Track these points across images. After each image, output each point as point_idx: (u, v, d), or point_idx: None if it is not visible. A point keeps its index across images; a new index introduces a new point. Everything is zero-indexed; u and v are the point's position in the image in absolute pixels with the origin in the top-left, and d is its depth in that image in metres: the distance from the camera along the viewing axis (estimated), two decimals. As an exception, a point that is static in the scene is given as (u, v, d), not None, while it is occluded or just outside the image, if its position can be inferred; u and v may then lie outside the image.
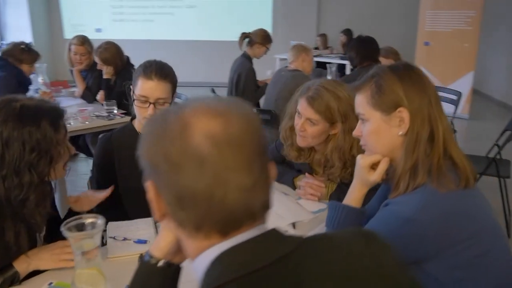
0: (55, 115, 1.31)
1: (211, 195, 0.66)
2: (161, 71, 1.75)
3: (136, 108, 1.77)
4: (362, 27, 8.06)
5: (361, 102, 1.22)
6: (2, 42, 8.23)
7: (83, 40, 3.93)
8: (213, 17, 8.54)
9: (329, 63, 4.58)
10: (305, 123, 1.74)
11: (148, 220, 1.65)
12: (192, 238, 0.71)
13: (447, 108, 4.17)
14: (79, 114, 3.32)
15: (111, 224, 1.65)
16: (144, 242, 1.50)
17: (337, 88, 1.71)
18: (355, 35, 7.66)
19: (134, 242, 1.50)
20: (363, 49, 3.18)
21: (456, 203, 1.11)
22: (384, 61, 3.83)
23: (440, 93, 3.78)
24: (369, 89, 1.20)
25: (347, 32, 7.57)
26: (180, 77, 7.18)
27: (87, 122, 3.22)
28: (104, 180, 1.84)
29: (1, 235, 1.28)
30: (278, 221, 1.69)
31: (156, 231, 1.60)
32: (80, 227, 1.01)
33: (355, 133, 1.30)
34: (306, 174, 1.89)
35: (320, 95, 1.69)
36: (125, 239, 1.52)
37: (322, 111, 1.70)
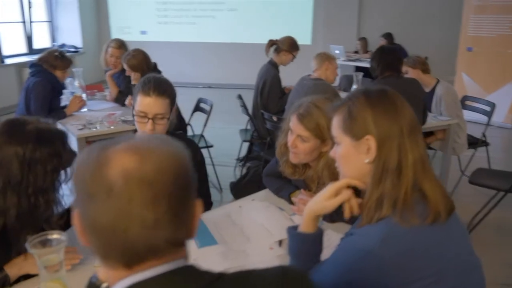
0: (65, 136, 1.41)
1: (114, 227, 0.70)
2: (159, 87, 1.81)
3: (136, 123, 1.85)
4: (403, 31, 7.88)
5: (335, 125, 1.22)
6: (54, 44, 8.70)
7: (120, 44, 4.10)
8: (253, 20, 8.61)
9: (359, 70, 4.51)
10: (296, 140, 1.75)
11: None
12: (105, 267, 0.75)
13: (481, 118, 4.05)
14: (106, 118, 3.47)
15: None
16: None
17: (327, 106, 1.70)
18: (396, 39, 7.53)
19: (122, 252, 1.57)
20: (384, 59, 3.12)
21: (417, 240, 1.08)
22: (411, 72, 3.74)
23: (474, 104, 3.62)
24: (342, 112, 1.19)
25: (388, 36, 7.41)
26: (221, 79, 7.42)
27: (112, 127, 3.36)
28: None
29: (7, 245, 1.38)
30: (266, 237, 1.71)
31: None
32: (45, 243, 1.08)
33: (330, 154, 1.30)
34: (302, 190, 1.90)
35: (310, 112, 1.70)
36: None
37: (312, 128, 1.70)
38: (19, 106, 3.49)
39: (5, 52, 7.31)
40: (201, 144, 3.91)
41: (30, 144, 1.34)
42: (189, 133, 4.07)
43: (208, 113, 3.99)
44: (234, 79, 8.44)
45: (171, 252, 0.75)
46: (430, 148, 3.87)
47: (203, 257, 1.55)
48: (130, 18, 9.06)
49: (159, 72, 3.82)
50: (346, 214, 1.23)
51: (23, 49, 7.82)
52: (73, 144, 3.32)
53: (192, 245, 1.60)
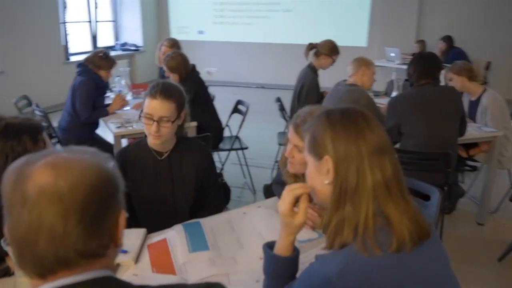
0: (35, 130, 1.48)
1: (26, 239, 0.74)
2: (165, 91, 1.87)
3: (144, 124, 1.91)
4: (465, 33, 7.47)
5: (304, 145, 1.20)
6: (117, 42, 9.14)
7: (173, 43, 4.26)
8: (308, 21, 8.54)
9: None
10: (293, 150, 1.73)
11: (140, 232, 1.77)
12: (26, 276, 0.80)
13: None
14: (143, 117, 3.61)
15: (108, 230, 1.81)
16: (125, 252, 1.63)
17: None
18: (457, 42, 7.16)
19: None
20: (421, 66, 2.97)
21: (378, 270, 1.02)
22: (456, 79, 3.55)
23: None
24: (309, 132, 1.18)
25: (447, 39, 7.07)
26: (274, 80, 7.42)
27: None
28: None
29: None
30: (260, 246, 1.71)
31: (143, 243, 1.72)
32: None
33: (286, 154, 1.27)
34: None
35: (306, 122, 1.67)
36: (111, 246, 1.66)
37: None
38: (66, 103, 3.71)
39: (71, 50, 7.80)
40: (236, 145, 3.96)
41: None
42: (226, 134, 4.14)
43: (244, 114, 4.02)
44: (287, 80, 8.41)
45: (85, 264, 0.78)
46: (473, 160, 3.65)
47: (191, 261, 1.58)
48: (188, 18, 9.31)
49: (197, 74, 3.91)
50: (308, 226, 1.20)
51: (88, 47, 8.29)
52: (110, 140, 3.49)
53: (184, 249, 1.64)
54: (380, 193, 1.06)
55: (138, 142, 2.06)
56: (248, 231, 1.79)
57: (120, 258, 1.59)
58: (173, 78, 3.79)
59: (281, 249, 1.24)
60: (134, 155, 2.03)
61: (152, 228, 1.84)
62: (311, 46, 4.06)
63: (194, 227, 1.79)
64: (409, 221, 1.05)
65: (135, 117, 3.59)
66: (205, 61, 8.96)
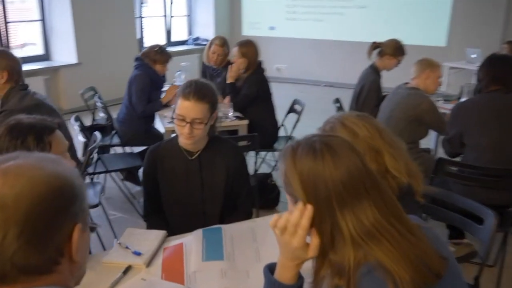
0: (42, 131, 1.48)
1: None
2: (199, 92, 1.82)
3: (175, 125, 1.87)
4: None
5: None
6: (190, 36, 9.34)
7: (224, 42, 4.23)
8: (383, 18, 8.13)
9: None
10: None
11: (160, 234, 1.74)
12: None
13: None
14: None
15: (129, 229, 1.79)
16: (139, 254, 1.59)
17: (357, 124, 1.51)
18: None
19: (132, 252, 1.61)
20: (493, 70, 2.65)
21: None
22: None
23: None
24: (281, 169, 1.05)
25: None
26: (344, 78, 7.20)
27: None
28: (149, 189, 2.01)
29: None
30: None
31: (160, 246, 1.67)
32: None
33: None
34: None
35: (334, 129, 1.52)
36: (127, 247, 1.64)
37: None
38: (124, 96, 3.81)
39: (146, 44, 8.08)
40: (289, 146, 3.83)
41: (3, 135, 1.43)
42: (282, 134, 4.04)
43: (299, 114, 3.89)
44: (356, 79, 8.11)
45: (24, 280, 0.73)
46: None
47: (202, 271, 1.51)
48: (261, 14, 9.27)
49: (263, 70, 3.84)
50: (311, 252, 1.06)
51: (163, 41, 8.55)
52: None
53: (198, 257, 1.57)
54: (362, 241, 0.92)
55: (170, 140, 2.03)
56: (269, 243, 1.68)
57: (133, 260, 1.56)
58: (240, 63, 3.73)
59: (285, 277, 1.10)
60: (166, 153, 2.00)
61: (180, 229, 1.80)
62: (375, 45, 3.83)
63: (213, 234, 1.72)
64: (410, 265, 0.89)
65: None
66: (275, 57, 8.89)
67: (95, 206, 2.86)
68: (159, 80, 3.75)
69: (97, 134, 3.06)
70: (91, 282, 1.46)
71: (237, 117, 3.58)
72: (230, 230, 1.75)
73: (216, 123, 1.99)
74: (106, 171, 3.39)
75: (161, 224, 1.98)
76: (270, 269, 1.15)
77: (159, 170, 1.98)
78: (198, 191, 1.98)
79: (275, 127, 3.96)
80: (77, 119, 3.36)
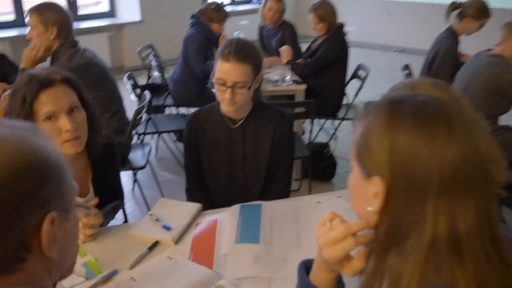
0: (35, 85, 1.36)
1: None
2: (239, 52, 1.61)
3: (216, 91, 1.69)
4: None
5: (353, 141, 0.84)
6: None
7: None
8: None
9: None
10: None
11: (194, 207, 1.60)
12: None
13: None
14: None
15: (162, 200, 1.67)
16: (168, 228, 1.46)
17: (431, 93, 1.25)
18: None
19: (162, 226, 1.48)
20: None
21: None
22: None
23: None
24: (360, 127, 0.80)
25: None
26: (416, 44, 6.59)
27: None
28: (190, 160, 1.86)
29: None
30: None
31: (193, 221, 1.54)
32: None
33: None
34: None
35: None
36: (157, 219, 1.51)
37: None
38: (179, 56, 3.67)
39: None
40: (350, 115, 3.56)
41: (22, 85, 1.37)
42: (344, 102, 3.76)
43: (363, 80, 3.58)
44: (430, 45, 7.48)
45: None
46: None
47: (234, 254, 1.35)
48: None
49: (344, 34, 3.57)
50: (348, 271, 0.86)
51: (227, -1, 8.31)
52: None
53: (232, 237, 1.42)
54: (444, 251, 0.69)
55: (211, 106, 1.85)
56: (313, 227, 1.49)
57: (161, 236, 1.44)
58: (319, 29, 3.50)
59: (320, 280, 0.91)
60: (206, 121, 1.83)
61: (220, 203, 1.65)
62: (454, 6, 3.37)
63: (252, 211, 1.55)
64: None
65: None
66: (343, 19, 8.36)
67: (142, 168, 2.79)
68: (216, 40, 3.57)
69: (147, 93, 2.96)
70: (115, 255, 1.37)
71: (295, 81, 3.34)
72: (271, 208, 1.57)
73: (262, 86, 1.79)
74: (157, 132, 3.31)
75: (204, 199, 1.84)
76: (307, 266, 0.96)
77: (200, 138, 1.82)
78: (240, 162, 1.81)
79: (341, 94, 3.69)
80: (130, 77, 3.27)
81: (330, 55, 3.50)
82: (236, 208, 1.57)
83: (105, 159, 1.62)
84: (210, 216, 1.57)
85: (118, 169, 1.75)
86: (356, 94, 3.55)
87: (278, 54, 3.86)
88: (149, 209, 2.92)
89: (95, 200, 1.48)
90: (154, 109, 3.77)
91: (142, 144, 3.15)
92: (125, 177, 2.99)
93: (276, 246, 1.39)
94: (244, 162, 1.82)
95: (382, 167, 0.72)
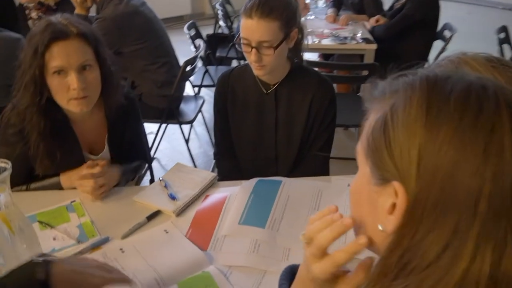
0: (47, 36, 1.26)
1: None
2: (263, 6, 1.40)
3: (244, 52, 1.50)
4: None
5: (363, 131, 0.63)
6: None
7: None
8: None
9: None
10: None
11: (208, 176, 1.47)
12: None
13: None
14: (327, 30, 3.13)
15: (178, 165, 1.56)
16: (174, 198, 1.36)
17: (481, 73, 0.98)
18: None
19: (168, 194, 1.38)
20: None
21: None
22: None
23: None
24: (377, 113, 0.58)
25: None
26: None
27: (316, 41, 3.00)
28: (218, 124, 1.72)
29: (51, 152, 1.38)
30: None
31: (203, 191, 1.42)
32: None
33: None
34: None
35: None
36: (166, 186, 1.41)
37: None
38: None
39: None
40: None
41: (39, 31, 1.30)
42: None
43: (446, 42, 3.14)
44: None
45: None
46: None
47: (233, 237, 1.22)
48: None
49: None
50: None
51: None
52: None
53: (236, 217, 1.28)
54: None
55: (245, 66, 1.66)
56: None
57: (163, 206, 1.34)
58: None
59: None
60: (238, 82, 1.65)
61: (249, 174, 1.51)
62: None
63: (267, 188, 1.39)
64: None
65: (319, 29, 3.13)
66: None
67: (189, 122, 2.72)
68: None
69: (201, 43, 2.84)
70: (114, 219, 1.31)
71: (365, 40, 3.01)
72: (292, 187, 1.40)
73: (301, 46, 1.57)
74: (213, 85, 3.20)
75: (231, 167, 1.71)
76: (294, 273, 0.78)
77: (229, 101, 1.66)
78: (270, 132, 1.63)
79: (421, 60, 3.29)
80: (191, 27, 3.16)
81: (417, 15, 3.11)
82: (251, 183, 1.41)
83: (123, 118, 1.53)
84: (223, 189, 1.44)
85: (138, 128, 1.65)
86: (436, 57, 3.13)
87: (355, 9, 3.51)
88: (195, 167, 2.91)
89: (103, 162, 1.40)
90: (218, 61, 3.65)
91: (195, 97, 3.06)
92: (176, 130, 2.94)
93: (283, 233, 1.23)
94: (276, 133, 1.63)
95: (407, 172, 0.52)
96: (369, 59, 2.96)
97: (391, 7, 3.47)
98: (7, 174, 0.98)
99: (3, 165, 0.99)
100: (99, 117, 1.50)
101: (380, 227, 0.57)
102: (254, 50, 1.43)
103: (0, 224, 0.99)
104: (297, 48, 1.57)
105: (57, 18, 1.32)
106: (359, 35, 3.06)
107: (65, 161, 1.41)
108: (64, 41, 1.27)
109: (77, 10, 2.44)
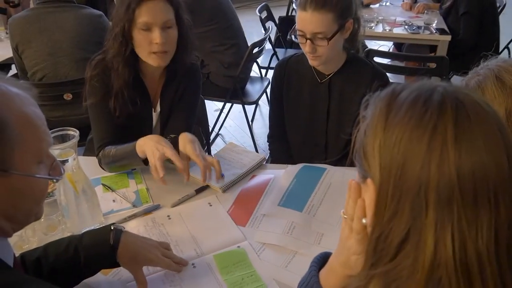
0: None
1: None
2: None
3: (299, 43, 1.55)
4: None
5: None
6: None
7: None
8: None
9: None
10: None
11: (257, 157, 1.56)
12: None
13: None
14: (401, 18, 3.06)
15: (230, 144, 1.67)
16: (222, 175, 1.44)
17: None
18: None
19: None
20: None
21: None
22: None
23: None
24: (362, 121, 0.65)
25: None
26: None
27: (388, 29, 2.93)
28: (273, 108, 1.79)
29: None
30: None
31: (251, 172, 1.50)
32: (62, 138, 1.13)
33: None
34: None
35: (481, 86, 1.00)
36: (215, 162, 1.52)
37: None
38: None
39: None
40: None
41: None
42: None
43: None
44: None
45: None
46: None
47: (271, 217, 1.30)
48: None
49: None
50: None
51: None
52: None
53: (276, 198, 1.36)
54: (445, 280, 0.55)
55: (302, 55, 1.69)
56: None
57: (213, 181, 1.44)
58: None
59: (327, 283, 0.80)
60: (294, 70, 1.70)
61: (299, 159, 1.58)
62: None
63: (311, 174, 1.45)
64: None
65: (391, 16, 3.06)
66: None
67: (252, 103, 2.81)
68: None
69: (272, 26, 2.89)
70: (167, 190, 1.41)
71: (440, 30, 2.90)
72: (334, 176, 1.44)
73: (357, 36, 1.58)
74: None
75: (283, 150, 1.78)
76: (326, 259, 0.84)
77: (284, 88, 1.72)
78: (322, 121, 1.67)
79: (493, 49, 3.12)
80: (263, 9, 3.22)
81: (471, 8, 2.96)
82: (296, 167, 1.48)
83: (183, 78, 1.60)
84: (270, 171, 1.52)
85: (193, 96, 1.66)
86: (506, 48, 2.95)
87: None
88: (256, 147, 3.01)
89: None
90: (289, 44, 3.69)
91: (261, 78, 3.14)
92: (241, 109, 3.04)
93: (319, 219, 1.29)
94: (327, 121, 1.67)
95: (373, 168, 0.60)
96: (441, 50, 2.85)
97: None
98: (74, 141, 1.13)
99: (71, 132, 1.14)
100: (163, 75, 1.59)
101: (364, 220, 0.65)
102: (308, 41, 1.48)
103: (67, 184, 1.15)
104: (353, 39, 1.58)
105: None
106: (433, 25, 2.95)
107: (140, 112, 1.54)
108: (153, 2, 1.41)
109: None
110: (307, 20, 1.46)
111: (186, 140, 1.38)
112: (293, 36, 1.56)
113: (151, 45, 1.43)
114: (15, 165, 0.69)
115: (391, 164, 0.57)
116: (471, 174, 0.53)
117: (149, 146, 1.35)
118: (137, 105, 1.51)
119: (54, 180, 0.81)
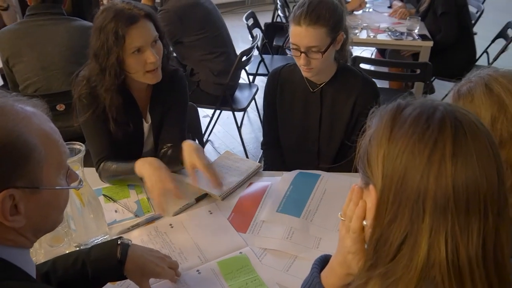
0: (120, 21, 1.39)
1: None
2: (311, 14, 1.48)
3: (293, 56, 1.61)
4: None
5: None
6: None
7: None
8: None
9: None
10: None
11: (253, 165, 1.60)
12: None
13: None
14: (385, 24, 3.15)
15: (227, 152, 1.71)
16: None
17: (510, 92, 1.03)
18: None
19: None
20: None
21: None
22: None
23: None
24: (367, 131, 0.73)
25: None
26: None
27: (372, 36, 3.02)
28: (267, 116, 1.84)
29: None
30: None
31: (248, 179, 1.55)
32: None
33: None
34: None
35: (471, 94, 1.06)
36: (214, 172, 1.56)
37: None
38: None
39: None
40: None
41: (98, 16, 1.44)
42: (481, 62, 3.29)
43: (508, 41, 3.06)
44: None
45: None
46: None
47: (270, 223, 1.35)
48: None
49: None
50: None
51: None
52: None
53: (274, 205, 1.41)
54: (438, 280, 0.61)
55: (294, 65, 1.75)
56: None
57: (211, 189, 1.48)
58: None
59: (328, 283, 0.86)
60: (287, 79, 1.76)
61: (292, 165, 1.63)
62: None
63: (306, 181, 1.51)
64: None
65: (375, 23, 3.14)
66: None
67: (241, 110, 2.86)
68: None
69: (259, 32, 2.95)
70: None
71: (422, 36, 3.00)
72: (328, 182, 1.50)
73: (346, 46, 1.64)
74: (267, 74, 3.31)
75: (277, 157, 1.84)
76: (326, 261, 0.90)
77: (278, 96, 1.77)
78: (314, 128, 1.73)
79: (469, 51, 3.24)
80: (249, 16, 3.27)
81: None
82: (291, 174, 1.53)
83: (170, 85, 1.62)
84: (266, 178, 1.57)
85: (181, 103, 1.68)
86: (496, 58, 3.06)
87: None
88: (246, 152, 3.06)
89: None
90: (275, 50, 3.75)
91: (250, 84, 3.19)
92: (231, 114, 3.08)
93: (316, 224, 1.34)
94: (319, 129, 1.73)
95: (376, 175, 0.66)
96: (424, 55, 2.95)
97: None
98: (81, 155, 1.16)
99: (78, 146, 1.17)
100: (150, 85, 1.59)
101: (364, 222, 0.72)
102: (303, 55, 1.53)
103: (73, 196, 1.18)
104: (343, 49, 1.64)
105: (116, 5, 1.44)
106: (416, 31, 3.05)
107: (131, 125, 1.56)
108: (137, 24, 1.41)
109: (144, 1, 2.61)
110: (301, 35, 1.51)
111: (191, 149, 1.40)
112: (286, 50, 1.61)
113: (146, 65, 1.45)
114: (44, 180, 0.73)
115: (393, 173, 0.63)
116: (465, 187, 0.59)
117: (147, 175, 1.35)
118: (128, 120, 1.54)
119: (77, 188, 0.85)
